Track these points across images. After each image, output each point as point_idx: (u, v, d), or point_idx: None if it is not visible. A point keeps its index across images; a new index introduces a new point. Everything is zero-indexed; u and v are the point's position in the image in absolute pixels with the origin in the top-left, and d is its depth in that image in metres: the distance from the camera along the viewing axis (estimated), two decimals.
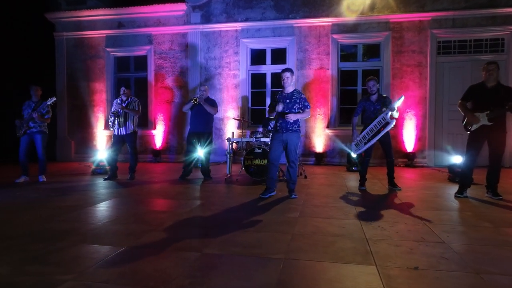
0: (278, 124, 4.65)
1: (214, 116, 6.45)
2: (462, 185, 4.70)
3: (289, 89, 4.67)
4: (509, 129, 4.65)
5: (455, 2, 8.24)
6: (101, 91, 10.08)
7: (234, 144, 6.70)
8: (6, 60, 9.72)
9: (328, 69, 8.87)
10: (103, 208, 4.10)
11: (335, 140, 8.88)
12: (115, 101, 6.44)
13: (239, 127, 8.85)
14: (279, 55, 9.26)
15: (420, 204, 4.27)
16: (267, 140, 6.07)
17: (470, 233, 3.08)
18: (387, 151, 5.20)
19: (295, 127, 4.62)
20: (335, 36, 8.81)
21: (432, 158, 8.50)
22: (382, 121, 4.89)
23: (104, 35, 10.00)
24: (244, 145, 6.55)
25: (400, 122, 8.44)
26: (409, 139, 8.52)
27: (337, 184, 5.84)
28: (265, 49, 9.36)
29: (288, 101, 4.61)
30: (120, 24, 9.92)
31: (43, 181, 6.11)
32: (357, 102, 8.82)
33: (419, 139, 8.52)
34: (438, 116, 8.51)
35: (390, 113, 4.78)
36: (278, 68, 8.70)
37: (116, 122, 6.19)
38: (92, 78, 10.13)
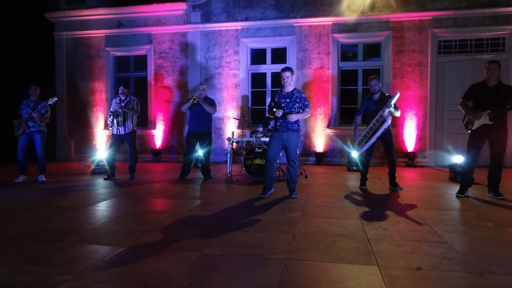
0: (278, 123, 4.62)
1: (214, 115, 6.43)
2: (463, 184, 4.68)
3: (289, 88, 4.64)
4: (510, 129, 4.61)
5: (456, 2, 8.22)
6: (100, 90, 10.06)
7: (234, 144, 6.68)
8: (6, 60, 9.68)
9: (328, 68, 8.85)
10: (102, 208, 4.07)
11: (335, 140, 8.86)
12: (113, 100, 6.41)
13: (239, 127, 8.83)
14: (279, 55, 9.24)
15: (422, 204, 4.24)
16: (267, 139, 6.04)
17: (472, 233, 3.06)
18: (389, 150, 5.18)
19: (295, 127, 4.60)
20: (335, 35, 8.79)
21: (433, 158, 8.48)
22: (380, 118, 4.89)
23: (104, 34, 9.98)
24: (244, 144, 6.53)
25: (400, 122, 8.42)
26: (409, 139, 8.50)
27: (338, 184, 5.82)
28: (265, 49, 9.34)
29: (288, 100, 4.59)
30: (119, 24, 9.90)
31: (42, 181, 6.09)
32: (357, 101, 8.90)
33: (420, 138, 8.49)
34: (439, 115, 8.49)
35: (387, 110, 4.77)
36: (278, 67, 8.66)
37: (115, 122, 6.17)
38: (92, 78, 10.11)
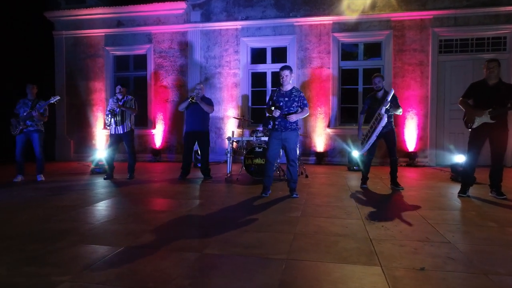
0: (276, 123, 4.59)
1: (214, 115, 6.41)
2: (465, 184, 4.65)
3: (288, 87, 4.62)
4: (510, 128, 4.58)
5: (457, 1, 8.18)
6: (100, 90, 10.02)
7: (235, 143, 6.65)
8: (6, 60, 9.64)
9: (329, 68, 8.81)
10: (101, 208, 4.04)
11: (336, 140, 8.83)
12: (110, 99, 6.37)
13: (239, 126, 8.80)
14: (279, 54, 9.20)
15: (423, 203, 4.21)
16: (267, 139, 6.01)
17: (475, 233, 3.03)
18: (391, 149, 5.15)
19: (293, 126, 4.58)
20: (336, 34, 8.76)
21: (434, 158, 8.45)
22: (378, 117, 4.87)
23: (104, 34, 9.94)
24: (244, 144, 6.50)
25: (401, 121, 8.39)
26: (410, 139, 8.46)
27: (339, 184, 5.79)
28: (266, 48, 9.31)
29: (287, 99, 4.56)
30: (119, 23, 9.86)
31: (41, 181, 6.06)
32: (358, 101, 8.87)
33: (421, 138, 8.46)
34: (440, 115, 8.46)
35: (384, 108, 4.76)
36: (278, 67, 8.51)
37: (112, 121, 6.14)
38: (91, 77, 10.08)
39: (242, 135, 6.70)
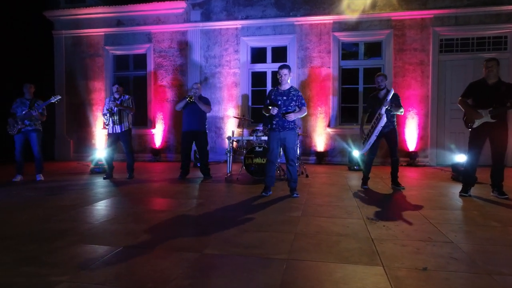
0: (274, 122, 4.57)
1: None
2: (466, 183, 4.62)
3: (286, 86, 4.61)
4: (509, 127, 4.56)
5: (458, 0, 8.15)
6: (100, 89, 9.99)
7: (235, 143, 6.62)
8: (5, 59, 9.61)
9: (329, 67, 8.79)
10: (101, 207, 4.01)
11: (336, 139, 8.80)
12: (107, 99, 6.33)
13: (239, 126, 8.77)
14: (279, 53, 9.17)
15: (425, 203, 4.18)
16: None
17: (478, 233, 3.00)
18: (392, 149, 5.12)
19: (291, 125, 4.56)
20: (336, 34, 8.73)
21: (434, 157, 8.42)
22: (378, 117, 4.86)
23: (103, 33, 9.91)
24: (244, 143, 6.47)
25: (402, 121, 8.36)
26: (411, 138, 8.44)
27: (339, 183, 5.76)
28: (266, 47, 9.28)
29: (285, 98, 4.54)
30: (119, 22, 9.83)
31: (40, 180, 6.03)
32: (358, 100, 8.85)
33: (421, 138, 8.43)
34: (440, 114, 8.43)
35: (383, 108, 4.76)
36: (278, 66, 8.61)
37: (110, 121, 6.11)
38: (91, 77, 10.05)
39: (242, 134, 6.66)
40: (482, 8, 8.02)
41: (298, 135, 6.82)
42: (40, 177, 6.11)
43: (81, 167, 8.19)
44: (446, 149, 8.21)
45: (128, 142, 6.25)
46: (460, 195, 4.57)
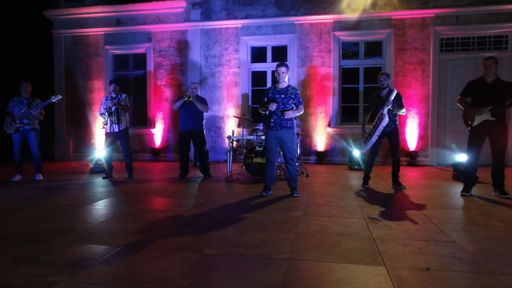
0: (272, 120, 4.54)
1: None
2: (467, 183, 4.60)
3: (283, 84, 4.59)
4: (509, 126, 4.53)
5: None
6: (99, 89, 9.96)
7: (235, 142, 6.60)
8: (5, 59, 9.57)
9: (329, 66, 8.76)
10: (100, 207, 3.98)
11: (336, 139, 8.77)
12: (103, 99, 6.29)
13: (239, 125, 8.74)
14: (280, 53, 9.14)
15: (426, 202, 4.15)
16: None
17: (480, 232, 2.97)
18: (394, 148, 5.09)
19: (289, 124, 4.54)
20: (336, 33, 8.70)
21: (435, 157, 8.39)
22: (380, 116, 4.83)
23: (103, 32, 9.88)
24: (244, 143, 6.44)
25: (402, 121, 8.33)
26: (411, 138, 8.41)
27: (340, 183, 5.73)
28: (266, 47, 9.25)
29: (283, 96, 4.53)
30: (119, 22, 9.80)
31: (39, 180, 6.00)
32: (359, 100, 8.82)
33: (422, 137, 8.41)
34: (441, 114, 8.40)
35: (386, 108, 4.73)
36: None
37: (108, 120, 6.08)
38: (91, 76, 10.01)
39: (242, 134, 6.63)
40: (482, 8, 8.00)
41: (298, 134, 6.83)
42: (39, 176, 6.08)
43: (80, 166, 8.16)
44: (446, 149, 8.19)
45: (125, 141, 6.23)
46: (462, 195, 4.55)
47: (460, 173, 5.74)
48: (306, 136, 8.76)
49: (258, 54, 9.38)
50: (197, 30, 9.34)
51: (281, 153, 4.87)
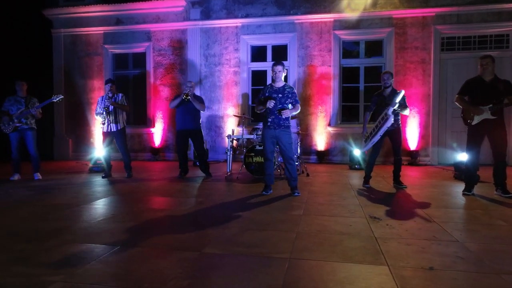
0: (269, 120, 4.51)
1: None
2: (469, 182, 4.56)
3: (280, 83, 4.56)
4: (508, 125, 4.50)
5: None
6: (99, 88, 9.91)
7: (235, 142, 6.56)
8: (4, 58, 9.53)
9: (330, 66, 8.72)
10: (99, 206, 3.94)
11: (337, 138, 8.74)
12: (99, 98, 6.24)
13: (239, 125, 8.70)
14: (280, 52, 9.10)
15: (428, 202, 4.12)
16: None
17: (483, 232, 2.93)
18: (396, 148, 5.05)
19: (286, 123, 4.52)
20: (337, 32, 8.66)
21: (436, 156, 8.36)
22: (384, 116, 4.78)
23: (102, 31, 9.85)
24: (244, 142, 6.40)
25: (403, 120, 8.27)
26: (412, 137, 8.37)
27: (341, 182, 5.69)
28: (266, 46, 9.21)
29: (280, 95, 4.49)
30: (118, 21, 9.76)
31: (38, 179, 5.96)
32: (359, 99, 8.78)
33: (423, 137, 8.37)
34: (442, 113, 8.37)
35: (391, 109, 4.69)
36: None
37: (106, 120, 6.04)
38: (90, 76, 9.98)
39: (242, 133, 6.59)
40: (484, 6, 7.96)
41: (299, 133, 6.79)
42: (38, 176, 6.04)
43: (79, 166, 8.12)
44: (447, 148, 8.15)
45: (123, 141, 6.19)
46: (464, 194, 4.51)
47: (461, 173, 5.71)
48: (306, 136, 8.72)
49: (258, 53, 9.34)
50: (196, 29, 9.30)
51: (280, 152, 4.84)
